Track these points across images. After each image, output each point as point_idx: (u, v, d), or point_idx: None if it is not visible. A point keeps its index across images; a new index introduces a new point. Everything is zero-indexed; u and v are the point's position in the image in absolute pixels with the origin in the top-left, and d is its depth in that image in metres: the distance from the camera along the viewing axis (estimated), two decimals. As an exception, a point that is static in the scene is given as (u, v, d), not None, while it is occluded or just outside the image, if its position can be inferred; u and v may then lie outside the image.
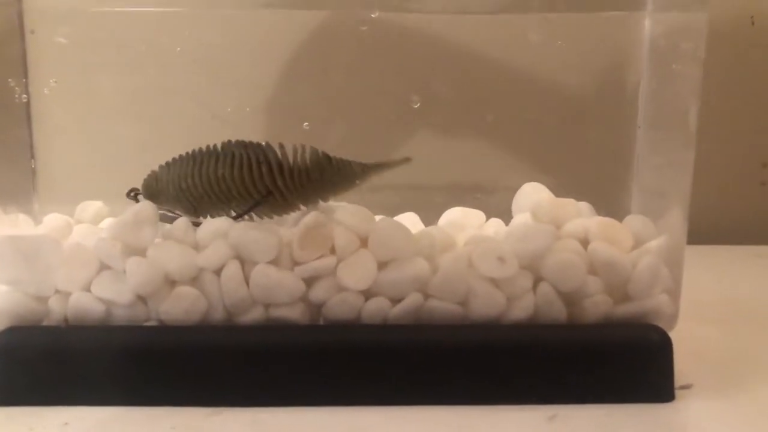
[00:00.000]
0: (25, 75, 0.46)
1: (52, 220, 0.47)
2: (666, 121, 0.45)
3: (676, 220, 0.43)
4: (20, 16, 0.45)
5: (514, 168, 0.52)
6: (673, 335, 0.41)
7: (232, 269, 0.41)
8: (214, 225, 0.42)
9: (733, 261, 0.78)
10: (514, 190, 0.49)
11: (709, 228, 0.88)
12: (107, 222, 0.47)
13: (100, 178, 0.49)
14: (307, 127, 0.49)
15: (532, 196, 0.46)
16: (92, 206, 0.48)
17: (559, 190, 0.48)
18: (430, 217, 0.50)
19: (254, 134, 0.50)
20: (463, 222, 0.48)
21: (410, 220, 0.49)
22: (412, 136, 0.51)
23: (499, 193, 0.51)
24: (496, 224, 0.48)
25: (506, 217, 0.49)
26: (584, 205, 0.47)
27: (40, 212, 0.48)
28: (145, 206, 0.42)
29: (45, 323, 0.41)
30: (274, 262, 0.41)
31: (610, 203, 0.48)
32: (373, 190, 0.51)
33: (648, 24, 0.47)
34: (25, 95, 0.46)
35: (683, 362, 0.42)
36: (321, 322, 0.42)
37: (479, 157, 0.52)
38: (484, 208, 0.50)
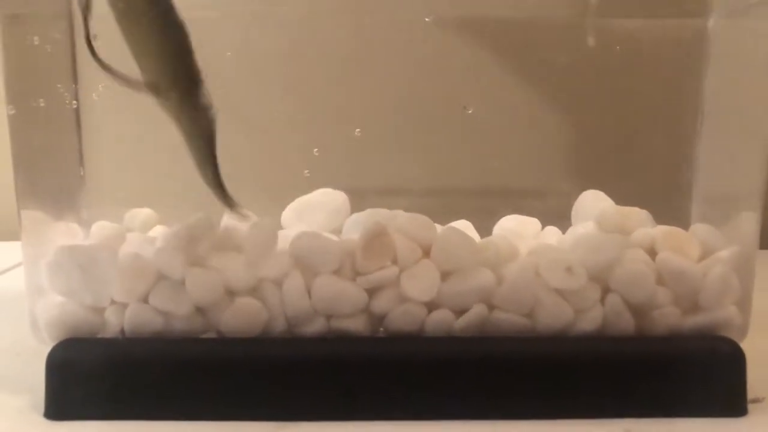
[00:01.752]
0: (75, 81, 0.45)
1: (101, 228, 0.46)
2: (733, 126, 0.44)
3: (748, 227, 0.42)
4: (71, 20, 0.44)
5: (568, 174, 0.51)
6: (743, 346, 0.40)
7: (294, 280, 0.40)
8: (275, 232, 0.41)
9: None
10: (568, 196, 0.48)
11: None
12: (158, 229, 0.46)
13: (148, 185, 0.48)
14: (359, 133, 0.48)
15: (595, 205, 0.46)
16: (141, 214, 0.47)
17: (615, 198, 0.47)
18: (481, 224, 0.49)
19: (303, 139, 0.49)
20: (519, 231, 0.47)
21: (464, 227, 0.48)
22: (465, 140, 0.50)
23: (553, 199, 0.50)
24: (553, 233, 0.47)
25: (560, 224, 0.48)
26: (643, 213, 0.46)
27: (88, 220, 0.47)
28: (204, 218, 0.41)
29: (101, 335, 0.40)
30: (336, 272, 0.40)
31: (667, 211, 0.47)
32: (422, 195, 0.50)
33: (711, 29, 0.46)
34: (75, 101, 0.45)
35: (754, 375, 0.41)
36: (382, 334, 0.41)
37: (532, 162, 0.51)
38: (538, 215, 0.49)
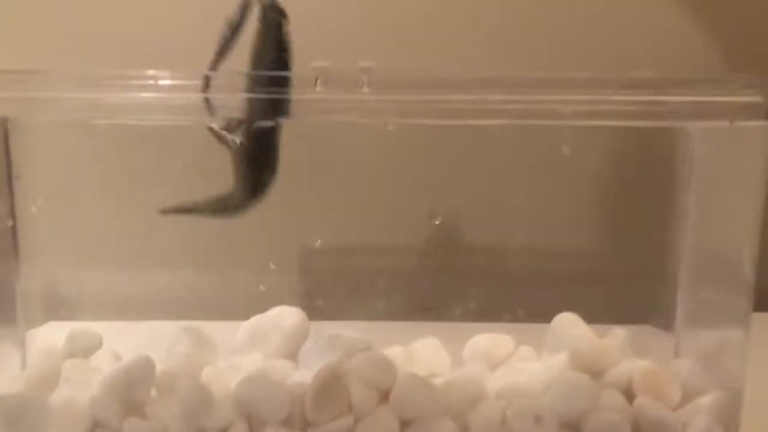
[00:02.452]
0: (11, 195, 0.42)
1: (40, 354, 0.43)
2: (719, 244, 0.41)
3: (733, 364, 0.39)
4: (5, 134, 0.41)
5: (550, 284, 0.48)
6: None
7: (239, 430, 0.37)
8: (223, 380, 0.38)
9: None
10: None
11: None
12: (98, 357, 0.43)
13: (90, 295, 0.46)
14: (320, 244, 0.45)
15: (569, 332, 0.42)
16: (84, 336, 0.44)
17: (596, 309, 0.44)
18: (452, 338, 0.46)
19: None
20: (491, 352, 0.44)
21: (431, 346, 0.45)
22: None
23: (530, 307, 0.47)
24: (527, 356, 0.44)
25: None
26: (621, 332, 0.44)
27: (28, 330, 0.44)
28: (141, 359, 0.38)
29: (31, 490, 0.37)
30: (286, 421, 0.37)
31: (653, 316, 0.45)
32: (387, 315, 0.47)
33: (694, 136, 0.43)
34: (11, 221, 0.42)
35: None
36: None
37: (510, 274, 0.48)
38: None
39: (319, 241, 0.46)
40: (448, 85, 0.35)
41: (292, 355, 0.44)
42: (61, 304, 0.46)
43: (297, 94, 0.33)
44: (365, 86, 0.33)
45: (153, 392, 0.38)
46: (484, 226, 0.48)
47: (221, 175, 0.42)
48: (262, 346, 0.44)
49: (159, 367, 0.39)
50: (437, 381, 0.40)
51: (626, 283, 0.47)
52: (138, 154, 0.43)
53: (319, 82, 0.33)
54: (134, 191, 0.45)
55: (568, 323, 0.43)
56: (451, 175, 0.46)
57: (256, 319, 0.44)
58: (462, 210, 0.47)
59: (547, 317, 0.44)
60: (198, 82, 0.34)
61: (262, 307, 0.45)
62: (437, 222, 0.46)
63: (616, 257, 0.48)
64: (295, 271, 0.47)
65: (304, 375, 0.39)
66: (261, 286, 0.45)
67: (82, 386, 0.39)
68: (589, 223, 0.49)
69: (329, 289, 0.48)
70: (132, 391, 0.37)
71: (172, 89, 0.34)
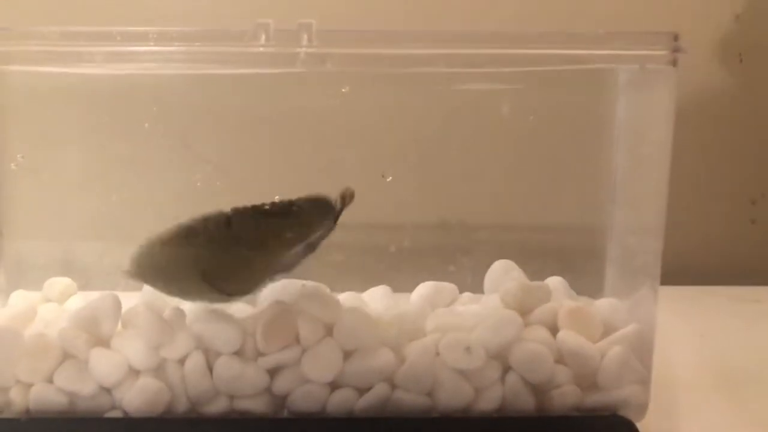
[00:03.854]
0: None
1: (19, 299, 0.46)
2: (635, 196, 0.45)
3: (647, 304, 0.43)
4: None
5: (493, 234, 0.51)
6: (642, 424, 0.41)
7: (195, 361, 0.40)
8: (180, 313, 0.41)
9: (719, 306, 0.76)
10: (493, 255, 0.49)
11: (697, 268, 0.88)
12: (72, 301, 0.47)
13: (69, 253, 0.49)
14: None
15: (504, 277, 0.46)
16: (60, 284, 0.48)
17: (536, 263, 0.47)
18: (404, 285, 0.49)
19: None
20: (435, 299, 0.48)
21: (382, 295, 0.49)
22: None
23: (477, 258, 0.50)
24: (467, 301, 0.48)
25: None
26: (558, 281, 0.47)
27: (8, 287, 0.48)
28: (107, 296, 0.41)
29: (5, 415, 0.41)
30: (239, 352, 0.41)
31: (588, 277, 0.48)
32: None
33: (620, 89, 0.46)
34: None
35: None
36: (286, 414, 0.41)
37: (454, 225, 0.51)
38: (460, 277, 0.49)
39: (278, 197, 0.49)
40: (384, 39, 0.38)
41: (251, 300, 0.47)
42: (39, 270, 0.49)
43: (240, 48, 0.36)
44: (305, 41, 0.37)
45: (119, 328, 0.42)
46: (415, 196, 0.51)
47: (200, 130, 0.45)
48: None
49: (126, 307, 0.42)
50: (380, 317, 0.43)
51: (560, 249, 0.50)
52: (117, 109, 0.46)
53: (263, 37, 0.36)
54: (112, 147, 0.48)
55: (503, 268, 0.47)
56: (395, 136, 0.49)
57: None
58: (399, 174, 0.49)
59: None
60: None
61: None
62: (389, 179, 0.49)
63: (551, 221, 0.51)
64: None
65: (256, 313, 0.43)
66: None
67: (55, 324, 0.42)
68: (524, 189, 0.51)
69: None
70: (98, 324, 0.41)
71: (152, 39, 0.37)
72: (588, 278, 0.48)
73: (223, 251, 0.41)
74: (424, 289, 0.49)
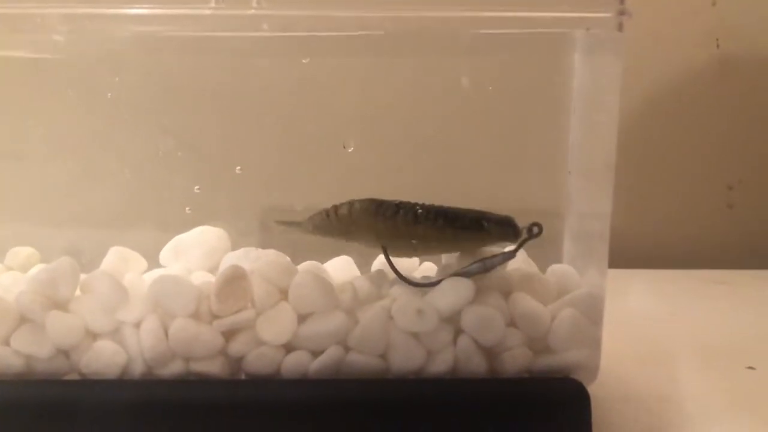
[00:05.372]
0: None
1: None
2: (586, 168, 0.45)
3: (597, 270, 0.43)
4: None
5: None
6: (606, 384, 0.41)
7: (151, 323, 0.41)
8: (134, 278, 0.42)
9: (692, 288, 0.77)
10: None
11: (674, 252, 0.89)
12: (33, 271, 0.47)
13: (31, 230, 0.49)
14: (240, 171, 0.49)
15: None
16: (23, 252, 0.48)
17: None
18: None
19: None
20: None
21: (344, 265, 0.49)
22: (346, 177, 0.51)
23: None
24: (428, 270, 0.48)
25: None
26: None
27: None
28: (65, 260, 0.42)
29: (-38, 377, 0.41)
30: (194, 315, 0.41)
31: (546, 248, 0.48)
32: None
33: (576, 65, 0.46)
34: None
35: (600, 416, 0.42)
36: (242, 377, 0.42)
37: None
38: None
39: (239, 168, 0.50)
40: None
41: (213, 270, 0.48)
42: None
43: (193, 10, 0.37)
44: (255, 2, 0.37)
45: (78, 293, 0.42)
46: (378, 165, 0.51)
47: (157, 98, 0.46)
48: (185, 262, 0.48)
49: (85, 274, 0.43)
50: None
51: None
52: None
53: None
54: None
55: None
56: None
57: (179, 237, 0.48)
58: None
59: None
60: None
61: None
62: (350, 150, 0.50)
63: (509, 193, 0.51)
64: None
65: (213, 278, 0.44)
66: (187, 209, 0.49)
67: (13, 289, 0.43)
68: (479, 160, 0.52)
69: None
70: (55, 288, 0.41)
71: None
72: (546, 249, 0.49)
73: (404, 240, 0.43)
74: (383, 258, 0.49)
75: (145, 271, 0.48)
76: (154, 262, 0.49)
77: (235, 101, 0.49)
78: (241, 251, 0.47)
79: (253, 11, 0.37)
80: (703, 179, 0.92)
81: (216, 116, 0.49)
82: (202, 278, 0.46)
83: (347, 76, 0.49)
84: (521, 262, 0.46)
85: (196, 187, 0.49)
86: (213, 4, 0.37)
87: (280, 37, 0.43)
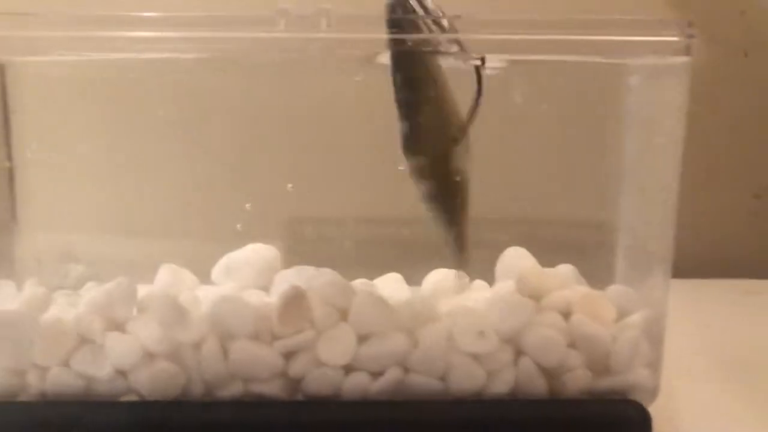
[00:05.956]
0: (8, 140, 0.46)
1: (33, 286, 0.47)
2: (647, 186, 0.45)
3: (658, 290, 0.43)
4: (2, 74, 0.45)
5: (502, 226, 0.51)
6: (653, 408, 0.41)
7: (211, 344, 0.41)
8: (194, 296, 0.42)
9: (724, 298, 0.77)
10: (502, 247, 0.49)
11: (702, 261, 0.88)
12: (88, 287, 0.47)
13: (83, 241, 0.49)
14: (291, 188, 0.49)
15: (516, 263, 0.46)
16: (74, 272, 0.48)
17: (545, 251, 0.48)
18: (416, 276, 0.50)
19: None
20: (446, 285, 0.48)
21: (393, 281, 0.49)
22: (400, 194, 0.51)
23: (487, 251, 0.50)
24: (481, 287, 0.48)
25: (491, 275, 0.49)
26: (568, 269, 0.47)
27: (22, 277, 0.48)
28: (123, 281, 0.42)
29: (22, 398, 0.41)
30: (254, 336, 0.41)
31: (597, 265, 0.48)
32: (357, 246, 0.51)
33: (632, 89, 0.46)
34: (8, 161, 0.46)
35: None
36: (300, 397, 0.42)
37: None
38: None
39: (290, 185, 0.49)
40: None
41: (265, 288, 0.48)
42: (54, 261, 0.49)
43: (261, 33, 0.37)
44: (324, 25, 0.37)
45: (135, 312, 0.42)
46: None
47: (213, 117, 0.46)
48: (237, 280, 0.48)
49: (142, 292, 0.43)
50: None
51: (570, 240, 0.50)
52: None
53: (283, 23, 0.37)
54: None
55: (516, 255, 0.47)
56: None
57: (231, 255, 0.48)
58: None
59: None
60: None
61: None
62: (401, 168, 0.49)
63: (561, 211, 0.51)
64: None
65: (271, 298, 0.43)
66: (237, 226, 0.49)
67: (71, 310, 0.43)
68: (533, 180, 0.52)
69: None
70: (114, 309, 0.41)
71: (166, 25, 0.38)
72: (596, 269, 0.48)
73: None
74: (434, 276, 0.49)
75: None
76: (202, 279, 0.49)
77: (286, 119, 0.49)
78: (294, 270, 0.47)
79: (323, 34, 0.37)
80: (730, 188, 0.92)
81: (267, 134, 0.49)
82: (256, 297, 0.46)
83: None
84: (574, 282, 0.46)
85: (247, 204, 0.49)
86: (282, 27, 0.37)
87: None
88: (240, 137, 0.49)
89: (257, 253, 0.48)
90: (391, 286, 0.48)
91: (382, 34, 0.38)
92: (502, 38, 0.40)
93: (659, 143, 0.43)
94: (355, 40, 0.38)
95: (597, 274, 0.48)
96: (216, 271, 0.48)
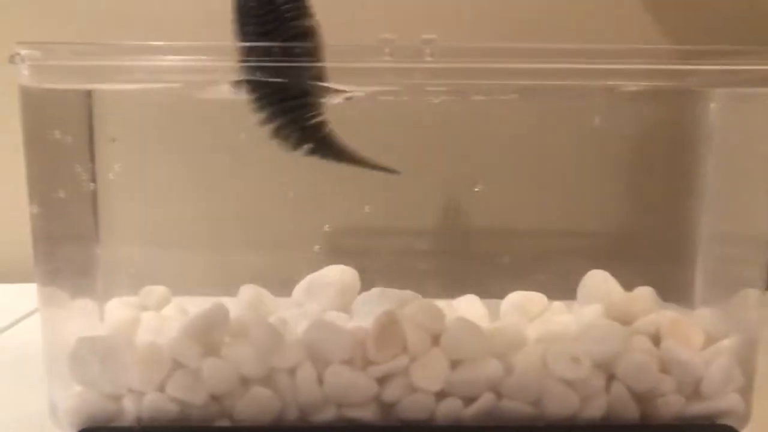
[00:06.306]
0: (92, 161, 0.46)
1: (116, 307, 0.47)
2: (735, 212, 0.45)
3: (750, 313, 0.43)
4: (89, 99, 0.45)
5: (575, 248, 0.52)
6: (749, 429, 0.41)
7: (306, 370, 0.41)
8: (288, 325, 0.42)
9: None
10: (573, 270, 0.49)
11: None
12: (169, 309, 0.47)
13: (161, 262, 0.49)
14: (368, 210, 0.49)
15: (600, 286, 0.46)
16: (156, 292, 0.48)
17: (620, 274, 0.48)
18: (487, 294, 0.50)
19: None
20: (526, 307, 0.48)
21: (471, 303, 0.49)
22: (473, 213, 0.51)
23: (557, 272, 0.51)
24: (560, 309, 0.48)
25: (561, 295, 0.49)
26: (647, 291, 0.47)
27: (104, 294, 0.48)
28: (218, 306, 0.42)
29: (118, 423, 0.41)
30: (348, 361, 0.41)
31: (671, 287, 0.48)
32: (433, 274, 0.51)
33: (714, 110, 0.46)
34: (93, 183, 0.46)
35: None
36: (393, 422, 0.42)
37: (536, 236, 0.52)
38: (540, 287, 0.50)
39: (368, 207, 0.50)
40: (500, 54, 0.39)
41: (345, 309, 0.48)
42: (133, 277, 0.49)
43: (366, 63, 0.37)
44: (428, 56, 0.37)
45: (226, 337, 0.42)
46: (507, 204, 0.52)
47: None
48: (317, 301, 0.48)
49: (230, 315, 0.43)
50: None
51: (646, 258, 0.50)
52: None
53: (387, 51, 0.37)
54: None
55: (600, 278, 0.47)
56: (486, 150, 0.50)
57: (313, 276, 0.48)
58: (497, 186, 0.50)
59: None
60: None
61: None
62: (477, 189, 0.50)
63: (638, 231, 0.52)
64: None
65: (360, 322, 0.43)
66: (316, 247, 0.49)
67: (161, 333, 0.43)
68: (611, 199, 0.52)
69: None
70: (209, 334, 0.41)
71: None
72: (667, 287, 0.49)
73: None
74: (514, 298, 0.49)
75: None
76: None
77: (367, 141, 0.49)
78: (375, 292, 0.47)
79: (427, 64, 0.37)
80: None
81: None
82: (340, 320, 0.46)
83: (482, 117, 0.49)
84: (654, 304, 0.46)
85: (326, 225, 0.49)
86: (388, 57, 0.37)
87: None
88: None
89: (337, 274, 0.49)
90: (468, 308, 0.49)
91: (488, 64, 0.38)
92: (600, 68, 0.40)
93: (750, 165, 0.43)
94: (457, 69, 0.38)
95: (674, 295, 0.48)
96: (297, 291, 0.48)
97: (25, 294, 0.49)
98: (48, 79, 0.41)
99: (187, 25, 0.70)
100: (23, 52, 0.40)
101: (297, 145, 0.42)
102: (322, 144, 0.43)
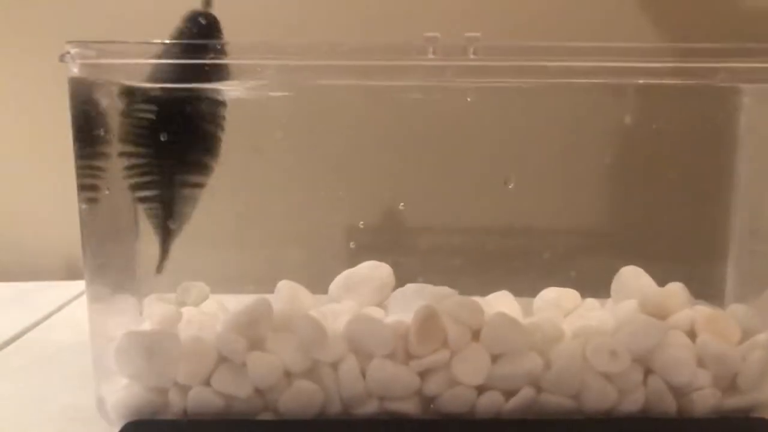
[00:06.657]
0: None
1: (155, 303, 0.47)
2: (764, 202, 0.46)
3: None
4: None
5: (603, 245, 0.52)
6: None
7: (350, 364, 0.42)
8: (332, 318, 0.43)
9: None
10: (604, 267, 0.50)
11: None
12: (207, 305, 0.48)
13: (196, 259, 0.50)
14: (402, 207, 0.50)
15: (634, 282, 0.47)
16: (194, 288, 0.49)
17: (650, 272, 0.49)
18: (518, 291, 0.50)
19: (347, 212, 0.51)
20: (560, 303, 0.49)
21: (505, 299, 0.50)
22: (504, 211, 0.52)
23: (588, 269, 0.51)
24: (593, 306, 0.49)
25: (591, 292, 0.50)
26: (679, 287, 0.48)
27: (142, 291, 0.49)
28: (262, 300, 0.42)
29: (164, 416, 0.42)
30: (390, 355, 0.42)
31: (701, 282, 0.49)
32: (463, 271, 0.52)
33: (746, 105, 0.47)
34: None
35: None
36: (435, 416, 0.42)
37: (566, 231, 0.53)
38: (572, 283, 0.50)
39: (402, 204, 0.50)
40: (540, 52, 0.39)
41: (381, 304, 0.49)
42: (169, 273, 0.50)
43: (412, 61, 0.38)
44: (472, 53, 0.38)
45: (269, 332, 0.43)
46: (540, 199, 0.52)
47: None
48: (354, 297, 0.49)
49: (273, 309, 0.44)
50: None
51: (676, 256, 0.51)
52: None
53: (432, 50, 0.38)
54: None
55: (634, 274, 0.48)
56: (517, 145, 0.51)
57: (349, 272, 0.49)
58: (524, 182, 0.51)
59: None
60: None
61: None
62: (510, 186, 0.50)
63: (668, 228, 0.52)
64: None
65: (399, 317, 0.44)
66: (351, 244, 0.50)
67: (203, 327, 0.44)
68: (642, 196, 0.53)
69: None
70: (254, 328, 0.42)
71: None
72: (698, 284, 0.49)
73: None
74: (548, 294, 0.50)
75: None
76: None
77: (401, 139, 0.50)
78: (411, 287, 0.48)
79: (470, 62, 0.38)
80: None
81: (382, 154, 0.50)
82: (378, 314, 0.47)
83: (513, 114, 0.49)
84: (686, 299, 0.47)
85: (360, 222, 0.50)
86: (431, 56, 0.38)
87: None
88: (354, 156, 0.50)
89: (373, 270, 0.49)
90: (503, 304, 0.49)
91: (530, 62, 0.39)
92: (634, 66, 0.41)
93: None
94: (502, 67, 0.39)
95: (704, 292, 0.49)
96: (333, 287, 0.49)
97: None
98: (95, 74, 0.41)
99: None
100: (73, 51, 0.40)
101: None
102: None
